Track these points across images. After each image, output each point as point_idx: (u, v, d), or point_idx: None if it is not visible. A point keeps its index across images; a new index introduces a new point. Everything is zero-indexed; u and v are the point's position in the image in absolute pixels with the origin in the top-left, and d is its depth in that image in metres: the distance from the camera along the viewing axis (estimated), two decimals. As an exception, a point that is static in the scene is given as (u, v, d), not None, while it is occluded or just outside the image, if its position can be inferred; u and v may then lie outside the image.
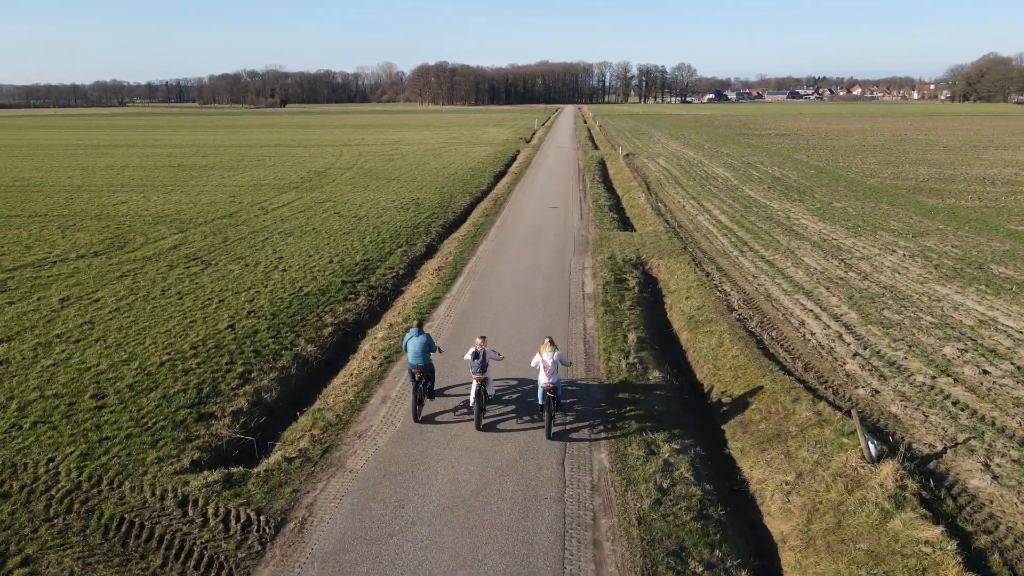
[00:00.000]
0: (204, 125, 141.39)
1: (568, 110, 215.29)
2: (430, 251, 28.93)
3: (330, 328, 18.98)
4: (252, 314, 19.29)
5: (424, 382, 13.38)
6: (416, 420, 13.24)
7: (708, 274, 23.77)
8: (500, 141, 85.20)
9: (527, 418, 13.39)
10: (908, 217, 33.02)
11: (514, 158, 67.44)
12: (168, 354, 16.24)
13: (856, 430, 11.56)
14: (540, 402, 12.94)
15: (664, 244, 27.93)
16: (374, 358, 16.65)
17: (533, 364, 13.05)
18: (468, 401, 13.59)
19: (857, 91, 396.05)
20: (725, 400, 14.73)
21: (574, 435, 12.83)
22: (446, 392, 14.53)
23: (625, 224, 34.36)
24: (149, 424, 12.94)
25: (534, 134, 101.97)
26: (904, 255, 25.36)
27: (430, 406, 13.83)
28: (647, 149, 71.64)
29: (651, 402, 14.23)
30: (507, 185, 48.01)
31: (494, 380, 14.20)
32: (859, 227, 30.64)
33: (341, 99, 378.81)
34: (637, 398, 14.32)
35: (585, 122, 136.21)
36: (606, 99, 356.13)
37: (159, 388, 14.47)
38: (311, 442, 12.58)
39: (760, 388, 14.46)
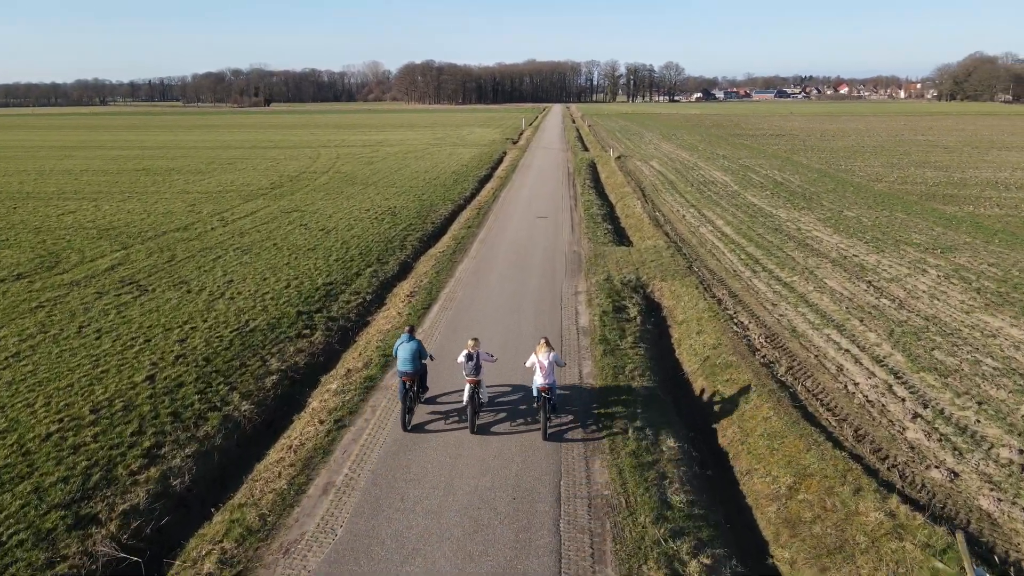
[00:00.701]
0: (182, 125, 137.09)
1: (556, 109, 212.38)
2: (404, 270, 25.70)
3: (275, 376, 15.73)
4: (180, 360, 15.99)
5: (415, 389, 13.22)
6: (405, 430, 12.90)
7: (720, 300, 20.72)
8: (486, 142, 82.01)
9: (520, 421, 13.22)
10: (929, 228, 30.17)
11: (500, 160, 64.29)
12: (60, 421, 12.94)
13: (957, 547, 8.53)
14: (536, 400, 12.93)
15: (666, 262, 24.87)
16: (321, 422, 13.45)
17: (528, 364, 12.95)
18: (460, 407, 13.42)
19: (844, 90, 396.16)
20: (761, 482, 11.65)
21: (572, 549, 9.70)
22: (438, 399, 14.20)
23: (621, 237, 31.29)
24: (2, 539, 9.68)
25: (521, 134, 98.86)
26: (938, 276, 22.44)
27: (419, 415, 13.47)
28: (639, 151, 68.70)
29: (667, 486, 11.15)
30: (492, 191, 44.83)
31: (487, 386, 13.79)
32: (879, 240, 27.74)
33: (327, 98, 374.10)
34: (650, 483, 11.21)
35: (573, 121, 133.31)
36: (594, 98, 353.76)
37: (34, 475, 11.19)
38: (218, 563, 9.36)
39: (806, 468, 11.40)
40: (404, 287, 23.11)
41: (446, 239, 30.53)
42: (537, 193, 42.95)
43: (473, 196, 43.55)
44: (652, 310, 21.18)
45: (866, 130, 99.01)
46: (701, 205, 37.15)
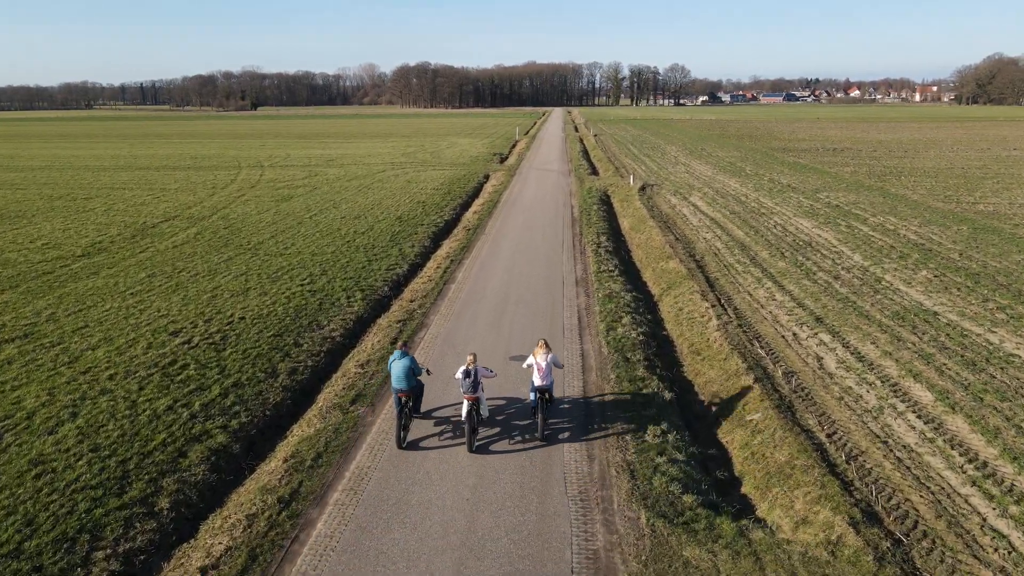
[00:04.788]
0: (120, 133, 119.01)
1: (556, 114, 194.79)
2: None
3: None
4: None
5: (409, 404, 12.64)
6: (400, 447, 12.33)
7: None
8: (466, 160, 64.04)
9: (519, 438, 12.55)
10: None
11: (478, 191, 46.35)
12: None
13: None
14: (532, 404, 12.90)
15: None
16: None
17: (526, 365, 13.16)
18: (459, 421, 12.87)
19: (855, 92, 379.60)
20: None
21: None
22: (433, 414, 13.46)
23: (702, 443, 13.33)
24: None
25: (513, 147, 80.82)
26: None
27: (416, 430, 12.86)
28: (668, 175, 50.62)
29: None
30: (444, 260, 26.78)
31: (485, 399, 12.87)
32: None
33: (321, 101, 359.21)
34: None
35: (576, 130, 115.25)
36: (596, 101, 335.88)
37: None
38: None
39: None
40: None
41: (277, 461, 12.39)
42: (520, 270, 24.95)
43: (413, 272, 25.62)
44: None
45: (929, 141, 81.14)
46: (829, 315, 19.12)
